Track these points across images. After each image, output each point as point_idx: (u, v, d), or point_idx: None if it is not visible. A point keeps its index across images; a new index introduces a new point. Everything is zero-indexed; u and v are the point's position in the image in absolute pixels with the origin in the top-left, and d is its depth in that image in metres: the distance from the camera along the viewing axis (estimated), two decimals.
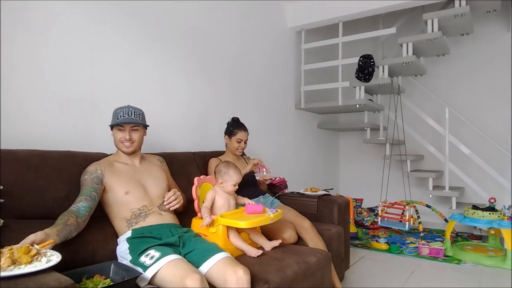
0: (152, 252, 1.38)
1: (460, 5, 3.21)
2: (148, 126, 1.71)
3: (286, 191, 2.69)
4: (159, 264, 1.31)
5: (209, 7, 2.83)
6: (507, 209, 3.15)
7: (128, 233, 1.50)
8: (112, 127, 1.65)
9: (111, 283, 1.19)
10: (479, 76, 4.14)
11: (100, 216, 1.58)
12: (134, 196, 1.57)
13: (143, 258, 1.37)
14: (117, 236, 1.56)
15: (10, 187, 1.37)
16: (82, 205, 1.41)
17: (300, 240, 2.08)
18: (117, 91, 2.14)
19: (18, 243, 1.08)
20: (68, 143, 1.82)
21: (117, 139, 1.63)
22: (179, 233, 1.55)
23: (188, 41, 2.65)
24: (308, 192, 2.64)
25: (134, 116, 1.61)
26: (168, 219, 1.61)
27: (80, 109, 1.95)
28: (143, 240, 1.46)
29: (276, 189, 2.61)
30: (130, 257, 1.42)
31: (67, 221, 1.31)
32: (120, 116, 1.60)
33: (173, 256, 1.35)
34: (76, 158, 1.65)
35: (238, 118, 2.45)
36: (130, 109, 1.62)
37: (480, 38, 4.05)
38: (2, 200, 1.31)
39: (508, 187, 3.79)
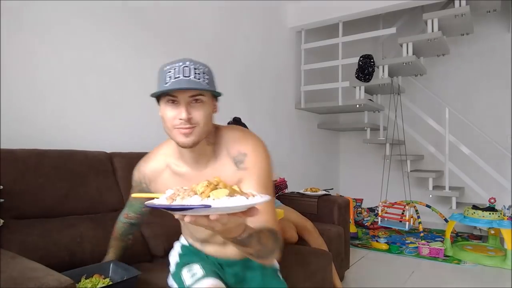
0: (196, 268, 1.13)
1: (460, 5, 3.21)
2: (220, 94, 0.98)
3: (286, 191, 2.69)
4: (198, 285, 1.07)
5: (209, 7, 2.83)
6: (507, 209, 3.15)
7: (185, 241, 1.27)
8: (158, 99, 0.96)
9: (110, 283, 1.19)
10: (479, 76, 4.14)
11: (99, 213, 1.57)
12: (187, 226, 1.13)
13: (185, 273, 1.14)
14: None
15: (10, 186, 1.37)
16: (131, 224, 1.29)
17: (301, 241, 2.07)
18: (116, 90, 2.14)
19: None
20: (68, 142, 1.81)
21: (168, 122, 0.93)
22: (241, 276, 1.16)
23: (187, 41, 2.64)
24: (308, 192, 2.64)
25: (195, 77, 0.89)
26: (231, 251, 1.13)
27: (80, 108, 1.94)
28: (195, 256, 1.20)
29: (276, 189, 2.61)
30: (174, 262, 1.24)
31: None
32: (170, 77, 0.89)
33: (215, 282, 1.06)
34: (76, 156, 1.64)
35: (239, 118, 2.44)
36: (187, 64, 0.90)
37: (480, 38, 4.05)
38: (1, 200, 1.31)
39: (508, 187, 3.78)
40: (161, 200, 0.68)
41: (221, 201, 0.64)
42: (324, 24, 3.86)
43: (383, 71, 3.61)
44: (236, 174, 1.00)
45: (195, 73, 0.90)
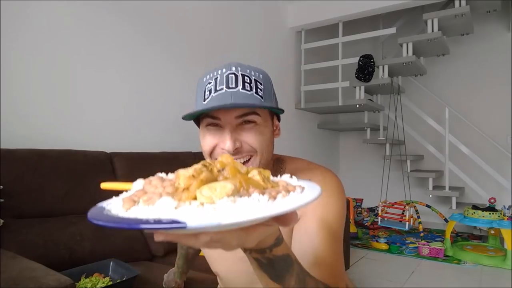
0: None
1: (460, 5, 3.21)
2: (281, 110, 0.70)
3: None
4: None
5: (209, 8, 2.83)
6: (507, 209, 3.15)
7: None
8: (197, 119, 0.72)
9: (110, 282, 1.19)
10: (479, 76, 4.14)
11: None
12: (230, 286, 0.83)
13: None
14: (117, 231, 1.55)
15: (10, 186, 1.37)
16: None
17: None
18: (116, 90, 2.14)
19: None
20: (68, 142, 1.82)
21: (208, 153, 0.69)
22: None
23: (187, 40, 2.65)
24: None
25: (244, 88, 0.65)
26: None
27: (80, 108, 1.95)
28: None
29: None
30: None
31: None
32: (210, 91, 0.66)
33: None
34: (75, 156, 1.65)
35: None
36: (233, 70, 0.67)
37: (480, 38, 4.05)
38: (1, 200, 1.31)
39: (508, 187, 3.78)
40: (116, 202, 0.38)
41: (214, 208, 0.32)
42: (324, 24, 3.86)
43: (383, 71, 3.61)
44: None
45: (244, 82, 0.65)
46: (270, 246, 0.44)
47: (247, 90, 0.65)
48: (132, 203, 0.35)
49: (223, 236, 0.35)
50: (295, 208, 0.33)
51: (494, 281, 2.56)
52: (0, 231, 1.26)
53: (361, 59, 3.60)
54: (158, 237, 0.35)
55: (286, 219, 0.38)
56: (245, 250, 0.45)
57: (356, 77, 3.65)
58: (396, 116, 3.60)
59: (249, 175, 0.38)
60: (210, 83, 0.67)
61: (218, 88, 0.65)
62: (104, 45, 2.08)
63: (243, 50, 3.22)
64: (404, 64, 3.49)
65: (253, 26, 3.37)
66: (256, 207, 0.33)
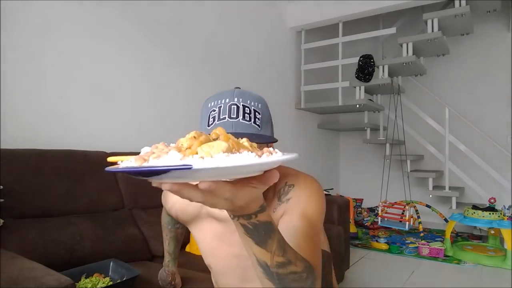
0: None
1: (460, 5, 3.21)
2: (274, 140, 0.80)
3: None
4: None
5: (209, 8, 2.83)
6: (507, 209, 3.15)
7: None
8: None
9: (110, 282, 1.19)
10: (479, 76, 4.14)
11: (100, 213, 1.57)
12: (222, 281, 0.91)
13: None
14: (118, 231, 1.55)
15: (10, 186, 1.37)
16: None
17: None
18: (116, 90, 2.14)
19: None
20: (68, 142, 1.82)
21: None
22: None
23: (188, 41, 2.65)
24: None
25: (244, 118, 0.76)
26: None
27: (79, 108, 1.95)
28: None
29: None
30: None
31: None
32: (214, 118, 0.77)
33: None
34: (76, 156, 1.65)
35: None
36: (234, 101, 0.77)
37: (480, 38, 4.05)
38: (1, 200, 1.31)
39: (508, 187, 3.78)
40: (127, 162, 0.44)
41: (212, 159, 0.40)
42: (324, 24, 3.86)
43: (383, 71, 3.61)
44: (277, 210, 0.77)
45: (244, 113, 0.76)
46: (255, 212, 0.52)
47: (247, 121, 0.75)
48: (143, 160, 0.41)
49: (218, 187, 0.43)
50: (278, 161, 0.42)
51: (494, 281, 2.56)
52: (0, 231, 1.26)
53: (361, 59, 3.60)
54: (165, 186, 0.42)
55: (268, 177, 0.46)
56: (233, 217, 0.52)
57: (356, 77, 3.65)
58: (396, 116, 3.60)
59: (241, 142, 0.48)
60: (214, 110, 0.77)
61: (221, 117, 0.75)
62: (105, 46, 2.08)
63: (243, 50, 3.22)
64: (404, 64, 3.49)
65: (253, 26, 3.37)
66: (246, 159, 0.41)
